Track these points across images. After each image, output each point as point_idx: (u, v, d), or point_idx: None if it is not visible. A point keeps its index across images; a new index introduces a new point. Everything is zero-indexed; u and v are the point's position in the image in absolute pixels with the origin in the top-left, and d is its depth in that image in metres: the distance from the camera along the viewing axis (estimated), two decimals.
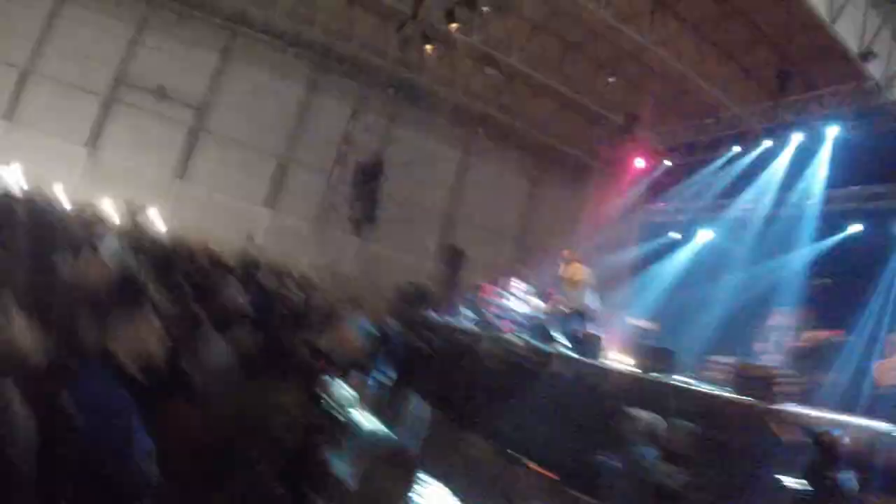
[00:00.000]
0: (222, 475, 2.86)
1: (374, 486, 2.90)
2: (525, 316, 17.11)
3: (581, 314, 14.59)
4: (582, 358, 12.50)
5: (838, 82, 16.87)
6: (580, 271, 14.80)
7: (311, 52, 23.59)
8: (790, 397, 10.20)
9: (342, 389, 5.57)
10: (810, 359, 11.64)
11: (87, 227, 11.32)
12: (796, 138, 17.48)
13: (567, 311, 14.87)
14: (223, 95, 23.29)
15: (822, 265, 15.24)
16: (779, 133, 18.03)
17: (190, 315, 6.24)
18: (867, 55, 15.27)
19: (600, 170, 25.00)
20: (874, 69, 15.75)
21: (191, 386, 4.52)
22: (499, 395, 10.69)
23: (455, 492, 8.63)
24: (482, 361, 13.47)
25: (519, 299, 17.76)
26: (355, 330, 7.71)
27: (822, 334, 11.97)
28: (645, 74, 20.57)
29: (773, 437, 8.38)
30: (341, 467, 3.92)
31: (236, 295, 7.97)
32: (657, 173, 22.11)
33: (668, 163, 21.64)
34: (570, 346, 13.35)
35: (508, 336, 14.98)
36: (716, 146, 19.92)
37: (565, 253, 15.34)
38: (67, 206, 15.70)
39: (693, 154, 20.73)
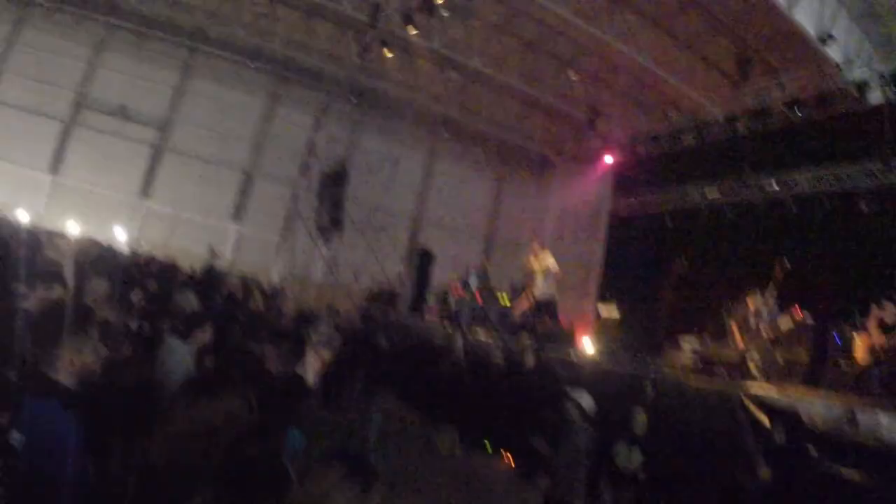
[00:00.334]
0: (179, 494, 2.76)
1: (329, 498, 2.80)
2: (494, 312, 17.11)
3: (551, 306, 14.56)
4: (550, 350, 12.45)
5: (799, 67, 16.92)
6: (549, 263, 14.76)
7: (271, 65, 23.55)
8: (757, 377, 10.23)
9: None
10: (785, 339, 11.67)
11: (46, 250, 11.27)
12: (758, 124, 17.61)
13: (536, 303, 14.83)
14: (185, 112, 23.16)
15: (786, 248, 15.28)
16: (740, 120, 18.15)
17: (147, 330, 6.22)
18: (825, 39, 15.29)
19: (565, 165, 25.06)
20: (834, 52, 15.80)
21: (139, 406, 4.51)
22: (467, 392, 10.63)
23: (424, 487, 8.60)
24: (451, 359, 13.43)
25: (487, 296, 17.76)
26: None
27: (792, 316, 11.99)
28: (606, 69, 20.55)
29: (739, 419, 8.33)
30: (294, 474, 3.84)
31: (196, 305, 7.92)
32: (621, 165, 22.20)
33: (631, 154, 21.68)
34: (538, 338, 13.29)
35: (477, 333, 14.96)
36: (679, 136, 20.00)
37: (534, 246, 15.31)
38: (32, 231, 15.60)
39: (657, 145, 20.77)
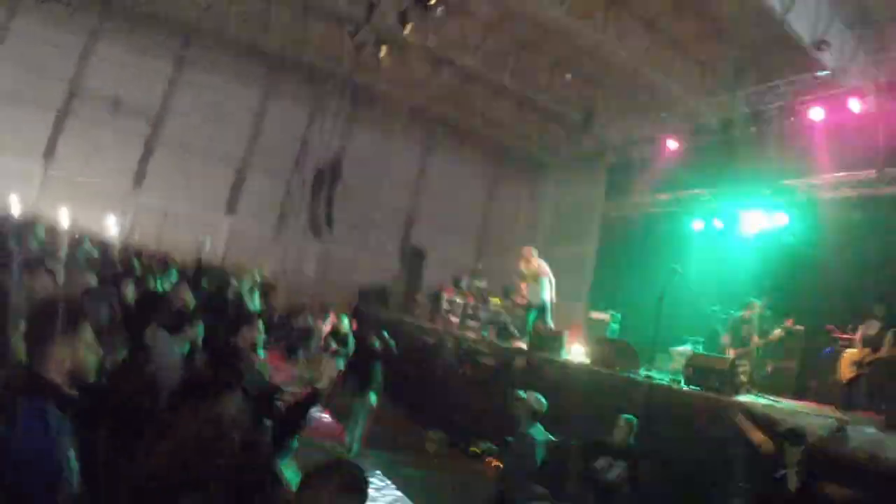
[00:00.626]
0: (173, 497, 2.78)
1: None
2: (485, 313, 17.15)
3: (542, 310, 14.58)
4: (541, 354, 12.49)
5: (792, 73, 16.97)
6: (540, 267, 14.79)
7: (266, 59, 23.51)
8: (746, 388, 10.28)
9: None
10: (774, 350, 11.76)
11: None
12: (751, 129, 17.65)
13: (528, 307, 14.86)
14: (178, 104, 23.05)
15: (778, 256, 15.36)
16: (734, 124, 18.17)
17: (140, 324, 6.22)
18: (820, 45, 15.34)
19: (559, 166, 25.09)
20: (828, 59, 15.85)
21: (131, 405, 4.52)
22: (457, 392, 10.70)
23: (411, 485, 8.65)
24: (441, 359, 13.49)
25: (479, 297, 17.81)
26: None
27: (778, 332, 12.06)
28: (600, 70, 20.60)
29: (726, 429, 8.38)
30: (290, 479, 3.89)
31: (188, 299, 7.91)
32: (615, 168, 22.23)
33: (625, 157, 21.71)
34: (530, 342, 13.34)
35: (468, 334, 15.00)
36: (672, 140, 20.02)
37: (525, 250, 15.33)
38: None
39: (650, 147, 20.78)
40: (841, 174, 15.79)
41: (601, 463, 7.63)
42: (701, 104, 19.12)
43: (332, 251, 23.72)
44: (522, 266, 15.06)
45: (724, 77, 18.29)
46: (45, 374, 3.24)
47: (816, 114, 16.26)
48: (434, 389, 13.13)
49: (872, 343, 10.28)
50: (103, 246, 14.26)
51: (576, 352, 13.79)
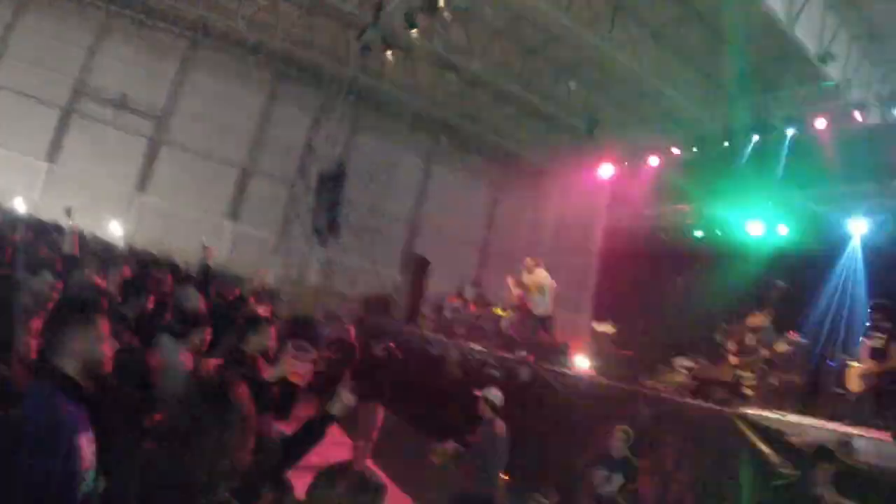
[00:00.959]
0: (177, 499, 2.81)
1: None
2: (488, 323, 17.16)
3: (545, 320, 14.59)
4: (545, 364, 12.49)
5: (797, 85, 17.00)
6: (543, 277, 14.79)
7: (271, 61, 23.49)
8: (750, 399, 10.28)
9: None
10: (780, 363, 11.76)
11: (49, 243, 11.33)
12: (754, 139, 17.64)
13: (531, 317, 14.86)
14: (184, 105, 23.02)
15: (782, 268, 15.37)
16: (738, 134, 18.19)
17: (147, 325, 6.28)
18: (825, 57, 15.37)
19: (562, 175, 25.09)
20: (833, 71, 15.89)
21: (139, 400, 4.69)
22: (460, 402, 10.69)
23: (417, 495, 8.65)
24: (444, 369, 13.49)
25: (482, 307, 17.81)
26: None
27: (782, 345, 12.06)
28: (605, 79, 20.63)
29: (731, 441, 8.38)
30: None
31: (195, 304, 7.93)
32: (618, 177, 22.21)
33: (628, 166, 21.69)
34: (535, 352, 13.35)
35: (472, 344, 14.99)
36: (676, 148, 20.04)
37: (528, 260, 15.33)
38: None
39: (655, 158, 20.78)
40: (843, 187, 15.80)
41: (599, 476, 7.64)
42: (705, 114, 19.14)
43: (336, 258, 23.71)
44: (525, 276, 15.06)
45: (729, 87, 18.31)
46: (61, 364, 3.36)
47: (820, 125, 16.26)
48: (438, 399, 13.12)
49: (878, 355, 10.29)
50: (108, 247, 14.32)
51: (579, 363, 13.81)
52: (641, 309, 17.86)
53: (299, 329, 11.79)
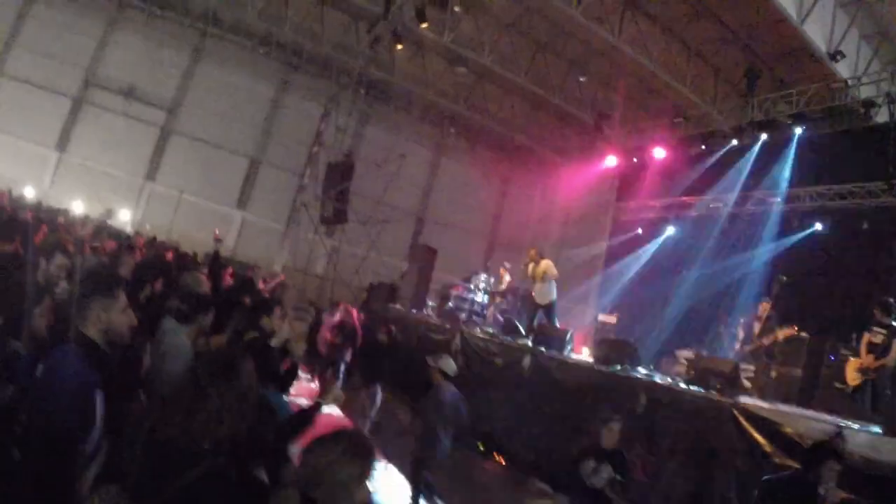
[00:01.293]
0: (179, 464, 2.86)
1: (329, 470, 2.90)
2: (493, 311, 17.21)
3: (549, 309, 14.61)
4: (548, 352, 12.52)
5: (807, 82, 16.92)
6: (548, 267, 14.80)
7: (281, 52, 23.60)
8: (749, 390, 10.29)
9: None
10: (771, 354, 11.75)
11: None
12: (762, 137, 17.58)
13: (535, 305, 14.89)
14: (193, 96, 23.22)
15: (786, 262, 15.34)
16: (745, 131, 18.13)
17: (154, 308, 6.42)
18: (835, 55, 15.32)
19: (571, 167, 25.09)
20: (842, 69, 15.83)
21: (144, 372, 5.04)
22: (462, 388, 10.76)
23: (419, 483, 8.70)
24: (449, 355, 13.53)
25: (488, 295, 17.86)
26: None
27: (784, 331, 12.04)
28: (615, 73, 20.65)
29: (729, 430, 8.39)
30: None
31: (201, 286, 7.99)
32: (626, 171, 22.18)
33: (636, 161, 21.65)
34: (537, 340, 13.37)
35: (476, 331, 15.03)
36: (684, 145, 19.98)
37: (532, 251, 15.35)
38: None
39: (662, 152, 20.72)
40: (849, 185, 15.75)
41: (588, 466, 7.64)
42: (714, 110, 19.10)
43: (343, 247, 23.79)
44: (530, 266, 15.08)
45: (738, 84, 18.27)
46: (85, 330, 3.77)
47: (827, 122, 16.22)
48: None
49: (877, 350, 10.29)
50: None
51: (585, 353, 13.87)
52: (645, 300, 17.87)
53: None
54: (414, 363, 12.53)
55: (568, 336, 13.17)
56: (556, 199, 26.08)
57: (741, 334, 13.17)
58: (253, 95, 23.86)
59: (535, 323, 14.45)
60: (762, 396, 10.13)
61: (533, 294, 14.92)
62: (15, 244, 7.69)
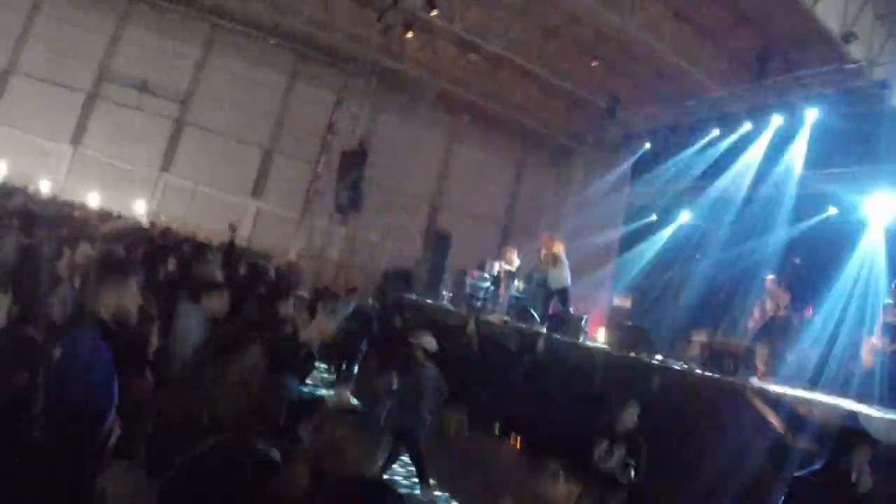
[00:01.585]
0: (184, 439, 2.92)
1: (338, 447, 2.97)
2: (508, 297, 17.25)
3: (563, 294, 14.65)
4: (563, 337, 12.57)
5: (820, 64, 16.81)
6: (561, 253, 14.82)
7: (292, 42, 23.62)
8: (763, 371, 10.29)
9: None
10: (779, 334, 11.76)
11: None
12: (776, 120, 17.51)
13: (549, 291, 14.94)
14: (206, 87, 23.30)
15: (799, 245, 15.31)
16: (759, 115, 18.05)
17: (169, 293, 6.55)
18: (849, 37, 15.18)
19: (584, 153, 25.06)
20: (856, 51, 15.70)
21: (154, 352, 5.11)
22: (477, 373, 10.82)
23: (432, 468, 8.77)
24: (462, 340, 13.60)
25: (502, 281, 17.89)
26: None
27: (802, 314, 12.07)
28: (627, 57, 20.54)
29: (744, 412, 8.40)
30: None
31: (213, 269, 8.10)
32: (639, 156, 22.13)
33: (649, 145, 21.60)
34: (551, 325, 13.43)
35: (491, 316, 15.09)
36: (697, 128, 19.92)
37: (545, 237, 15.38)
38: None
39: (675, 136, 20.66)
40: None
41: (600, 449, 7.64)
42: (726, 94, 19.02)
43: (358, 235, 23.91)
44: (544, 253, 15.11)
45: (751, 67, 18.17)
46: (97, 312, 4.02)
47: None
48: (456, 371, 13.25)
49: (892, 332, 10.26)
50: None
51: (600, 338, 13.91)
52: (660, 285, 17.88)
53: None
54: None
55: (583, 321, 13.23)
56: (570, 185, 26.08)
57: (756, 314, 13.19)
58: (265, 85, 23.87)
59: (550, 309, 14.52)
60: (775, 378, 10.14)
61: (547, 280, 14.97)
62: (34, 237, 7.79)
